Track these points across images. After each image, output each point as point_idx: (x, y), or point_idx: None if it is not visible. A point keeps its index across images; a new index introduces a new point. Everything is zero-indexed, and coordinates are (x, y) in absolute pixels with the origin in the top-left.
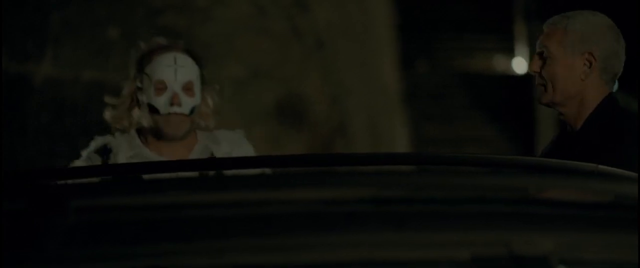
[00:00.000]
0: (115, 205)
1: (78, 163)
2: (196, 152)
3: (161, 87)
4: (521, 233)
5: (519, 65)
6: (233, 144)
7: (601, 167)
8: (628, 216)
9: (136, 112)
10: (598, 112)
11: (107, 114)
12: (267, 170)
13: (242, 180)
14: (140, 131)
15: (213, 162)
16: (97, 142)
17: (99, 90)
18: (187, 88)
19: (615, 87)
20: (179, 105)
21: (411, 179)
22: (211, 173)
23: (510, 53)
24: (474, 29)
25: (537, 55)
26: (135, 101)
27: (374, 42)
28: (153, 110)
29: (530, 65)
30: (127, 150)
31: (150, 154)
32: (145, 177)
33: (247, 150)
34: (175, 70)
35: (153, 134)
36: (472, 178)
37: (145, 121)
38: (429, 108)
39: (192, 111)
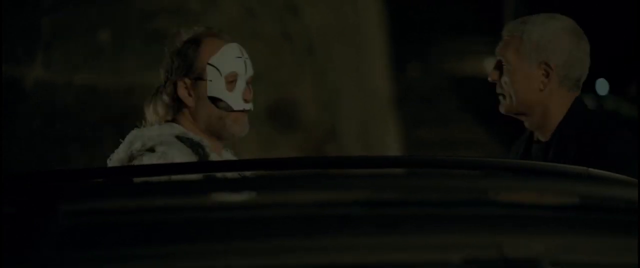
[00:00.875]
0: (106, 208)
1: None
2: (226, 157)
3: (232, 80)
4: (512, 235)
5: None
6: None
7: (591, 170)
8: (619, 219)
9: (161, 108)
10: (568, 121)
11: (155, 110)
12: (251, 173)
13: (233, 183)
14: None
15: (205, 165)
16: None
17: (91, 94)
18: (250, 83)
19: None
20: (249, 102)
21: (403, 182)
22: (204, 176)
23: None
24: (466, 32)
25: (495, 64)
26: (173, 95)
27: (366, 46)
28: (221, 105)
29: (489, 74)
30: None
31: (213, 154)
32: (136, 180)
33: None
34: (245, 62)
35: (210, 132)
36: (464, 181)
37: (207, 117)
38: (421, 111)
39: None
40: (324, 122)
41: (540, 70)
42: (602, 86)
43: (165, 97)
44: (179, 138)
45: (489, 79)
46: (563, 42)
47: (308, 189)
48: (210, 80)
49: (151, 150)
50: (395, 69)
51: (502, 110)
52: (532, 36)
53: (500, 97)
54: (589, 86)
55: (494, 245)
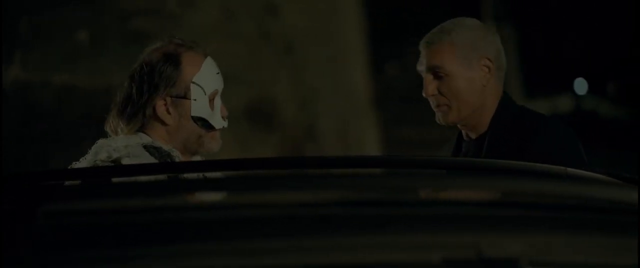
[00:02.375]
0: (86, 209)
1: None
2: None
3: (213, 99)
4: (491, 235)
5: None
6: None
7: (570, 169)
8: (598, 218)
9: (129, 122)
10: (500, 116)
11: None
12: (229, 174)
13: (212, 183)
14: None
15: (184, 166)
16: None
17: (69, 94)
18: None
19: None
20: (226, 119)
21: (381, 182)
22: (183, 177)
23: None
24: None
25: (429, 77)
26: (149, 113)
27: (344, 46)
28: (202, 124)
29: (425, 89)
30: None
31: None
32: (115, 180)
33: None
34: (221, 78)
35: (185, 149)
36: (442, 181)
37: (186, 135)
38: (400, 111)
39: None
40: (303, 121)
41: (480, 68)
42: (580, 86)
43: (138, 113)
44: (147, 148)
45: (425, 94)
46: (488, 35)
47: (284, 190)
48: (195, 100)
49: (117, 162)
50: (374, 69)
51: (446, 121)
52: (463, 38)
53: (444, 108)
54: (567, 86)
55: (473, 244)
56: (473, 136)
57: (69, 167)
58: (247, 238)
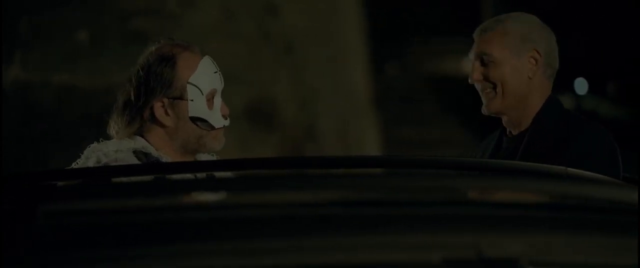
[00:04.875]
0: (85, 209)
1: None
2: None
3: (211, 97)
4: (491, 235)
5: None
6: None
7: (570, 169)
8: (598, 218)
9: (128, 124)
10: (544, 115)
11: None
12: (229, 174)
13: (212, 183)
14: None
15: (185, 166)
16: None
17: (69, 94)
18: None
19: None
20: (227, 118)
21: (381, 182)
22: (183, 177)
23: None
24: (444, 32)
25: (477, 63)
26: (147, 115)
27: (344, 46)
28: (202, 125)
29: (471, 75)
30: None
31: None
32: (115, 180)
33: None
34: (220, 76)
35: (186, 150)
36: (442, 181)
37: (186, 136)
38: (400, 111)
39: None
40: (303, 121)
41: (528, 59)
42: (581, 85)
43: (136, 116)
44: (136, 154)
45: (471, 80)
46: (543, 31)
47: (284, 189)
48: (192, 100)
49: None
50: (374, 69)
51: (491, 108)
52: (516, 27)
53: (490, 94)
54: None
55: (473, 244)
56: (515, 132)
57: (69, 168)
58: (247, 238)
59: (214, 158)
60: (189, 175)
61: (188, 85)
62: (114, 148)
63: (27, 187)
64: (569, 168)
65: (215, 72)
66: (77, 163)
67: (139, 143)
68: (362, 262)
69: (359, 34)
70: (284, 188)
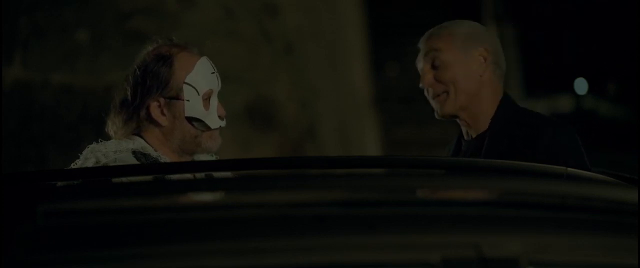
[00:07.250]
0: (85, 209)
1: None
2: None
3: (208, 98)
4: (491, 235)
5: None
6: None
7: (570, 169)
8: (598, 218)
9: (125, 124)
10: (501, 114)
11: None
12: (228, 174)
13: (212, 183)
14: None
15: (183, 166)
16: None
17: (68, 94)
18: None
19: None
20: (223, 119)
21: (381, 182)
22: (183, 177)
23: None
24: None
25: (427, 67)
26: (143, 115)
27: (344, 46)
28: (198, 125)
29: (422, 80)
30: None
31: None
32: (114, 180)
33: None
34: (217, 77)
35: (182, 150)
36: (441, 181)
37: (181, 137)
38: (399, 111)
39: None
40: (302, 121)
41: (477, 57)
42: (580, 86)
43: (133, 115)
44: (135, 154)
45: (422, 85)
46: (488, 32)
47: (284, 189)
48: (188, 100)
49: None
50: (374, 70)
51: (443, 112)
52: (461, 30)
53: (441, 98)
54: (567, 86)
55: (473, 244)
56: (473, 135)
57: (68, 168)
58: (247, 238)
59: (214, 158)
60: (188, 176)
61: (184, 85)
62: (113, 149)
63: (27, 187)
64: (568, 168)
65: (213, 73)
66: (76, 163)
67: (138, 143)
68: (362, 262)
69: (359, 34)
70: (284, 188)
